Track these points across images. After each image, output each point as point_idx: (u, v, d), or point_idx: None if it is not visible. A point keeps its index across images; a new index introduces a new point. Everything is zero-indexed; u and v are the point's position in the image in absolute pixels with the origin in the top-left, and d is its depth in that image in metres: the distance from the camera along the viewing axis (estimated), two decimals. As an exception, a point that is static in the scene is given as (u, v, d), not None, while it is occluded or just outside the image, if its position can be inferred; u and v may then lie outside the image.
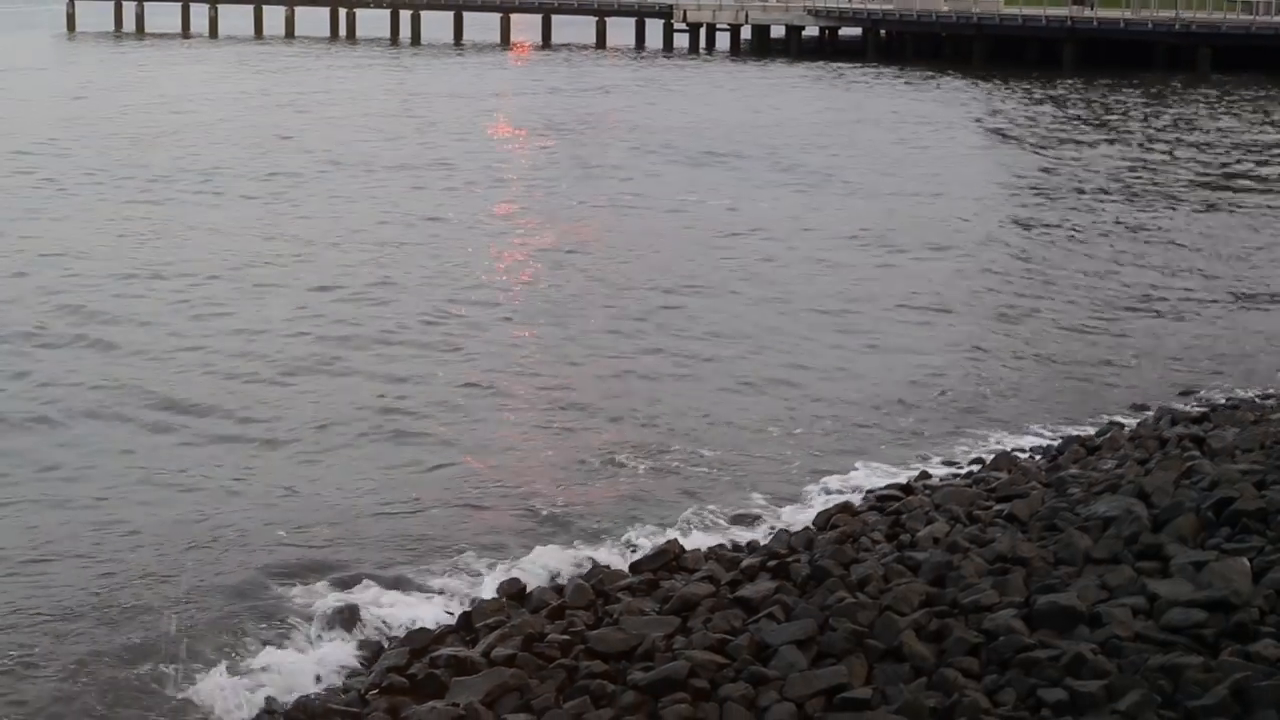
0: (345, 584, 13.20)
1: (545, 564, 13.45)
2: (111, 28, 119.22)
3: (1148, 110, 62.18)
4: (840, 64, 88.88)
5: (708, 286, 26.33)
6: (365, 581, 13.18)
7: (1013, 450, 16.79)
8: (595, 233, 31.89)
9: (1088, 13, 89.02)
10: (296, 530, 14.55)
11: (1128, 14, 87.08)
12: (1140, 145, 49.52)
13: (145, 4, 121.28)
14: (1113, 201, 37.41)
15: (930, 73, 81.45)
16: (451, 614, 12.40)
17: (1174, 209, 36.16)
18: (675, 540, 13.68)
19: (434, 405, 18.84)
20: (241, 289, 25.63)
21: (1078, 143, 50.32)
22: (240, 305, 24.42)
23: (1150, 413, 18.12)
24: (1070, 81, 76.19)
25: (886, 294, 26.11)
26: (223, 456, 16.85)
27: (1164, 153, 47.51)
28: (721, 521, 14.80)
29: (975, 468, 16.10)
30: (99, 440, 17.38)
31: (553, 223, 33.12)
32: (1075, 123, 57.23)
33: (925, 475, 15.89)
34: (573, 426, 18.09)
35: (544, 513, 15.11)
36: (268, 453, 17.03)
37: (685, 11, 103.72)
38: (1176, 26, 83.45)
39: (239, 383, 19.80)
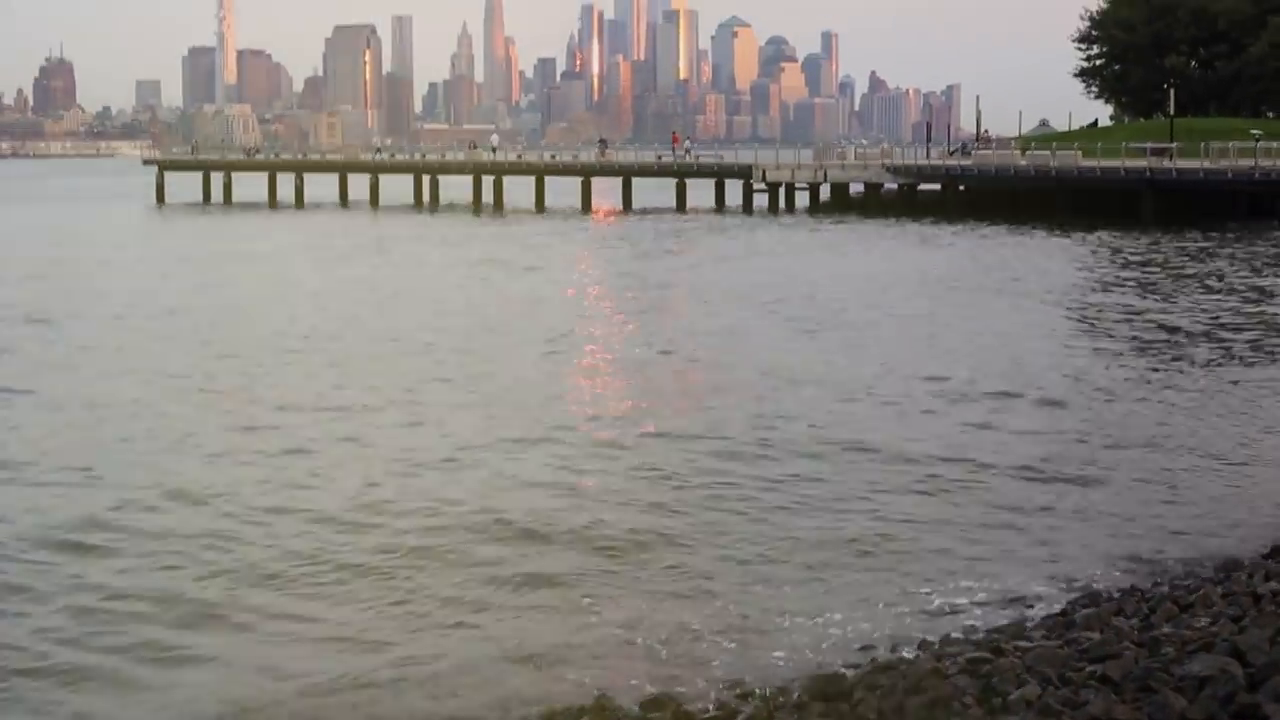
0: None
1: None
2: (199, 198, 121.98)
3: (1233, 259, 61.98)
4: (921, 220, 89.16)
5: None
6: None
7: (1104, 605, 16.58)
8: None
9: (1166, 163, 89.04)
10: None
11: (1207, 164, 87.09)
12: (1229, 295, 49.27)
13: (233, 174, 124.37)
14: (1204, 350, 37.18)
15: (1011, 226, 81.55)
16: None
17: (1262, 361, 35.85)
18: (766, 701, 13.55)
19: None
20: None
21: (1166, 292, 50.15)
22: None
23: (1243, 569, 17.84)
24: (1152, 232, 76.20)
25: (961, 439, 25.97)
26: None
27: (1254, 302, 47.21)
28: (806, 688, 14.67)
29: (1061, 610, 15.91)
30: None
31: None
32: (1161, 272, 57.14)
33: (1016, 633, 15.71)
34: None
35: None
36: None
37: (764, 171, 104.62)
38: (1256, 175, 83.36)
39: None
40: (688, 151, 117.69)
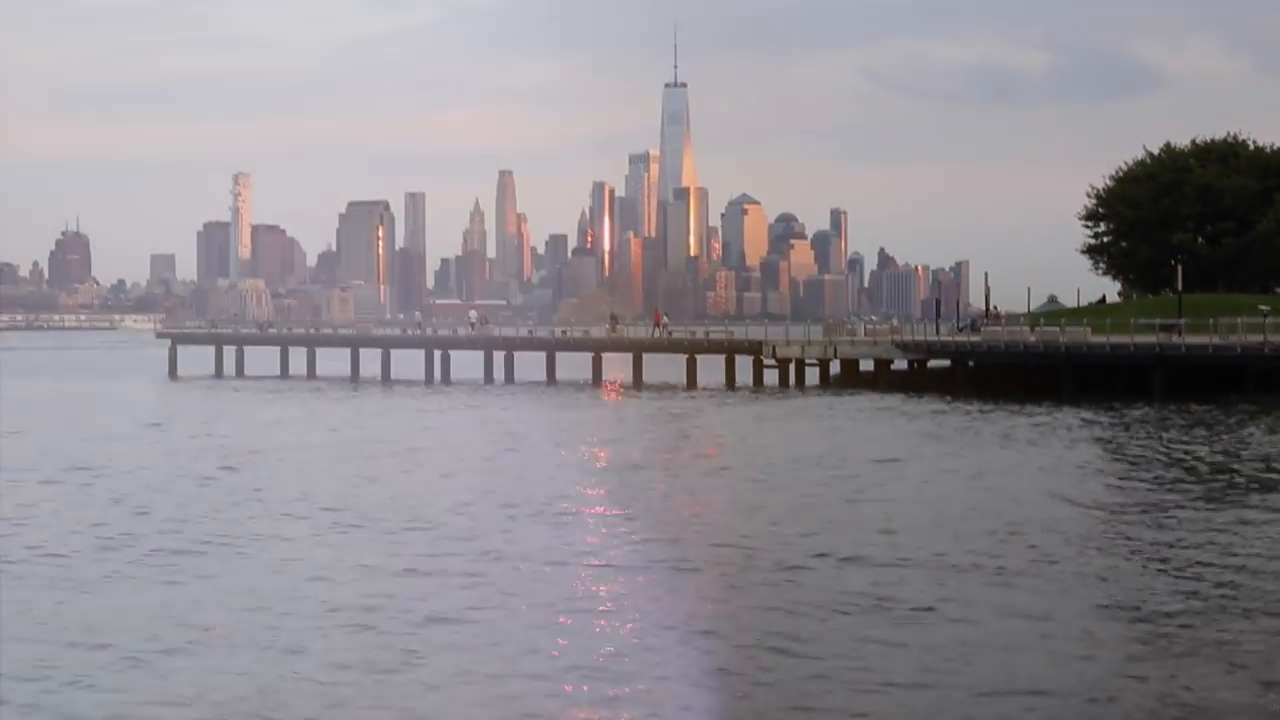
0: None
1: None
2: (211, 371, 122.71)
3: (1243, 435, 61.84)
4: (930, 396, 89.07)
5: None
6: None
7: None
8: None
9: (1176, 339, 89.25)
10: None
11: (1216, 339, 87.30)
12: (1239, 474, 49.04)
13: (245, 348, 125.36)
14: (1220, 531, 36.88)
15: (1020, 404, 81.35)
16: None
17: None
18: None
19: None
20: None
21: (1178, 472, 49.95)
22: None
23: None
24: (1161, 408, 76.09)
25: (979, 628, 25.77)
26: None
27: (1265, 480, 46.98)
28: None
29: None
30: None
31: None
32: (1173, 450, 56.97)
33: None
34: None
35: None
36: None
37: (774, 347, 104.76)
38: (1266, 351, 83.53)
39: None
40: (665, 328, 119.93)
